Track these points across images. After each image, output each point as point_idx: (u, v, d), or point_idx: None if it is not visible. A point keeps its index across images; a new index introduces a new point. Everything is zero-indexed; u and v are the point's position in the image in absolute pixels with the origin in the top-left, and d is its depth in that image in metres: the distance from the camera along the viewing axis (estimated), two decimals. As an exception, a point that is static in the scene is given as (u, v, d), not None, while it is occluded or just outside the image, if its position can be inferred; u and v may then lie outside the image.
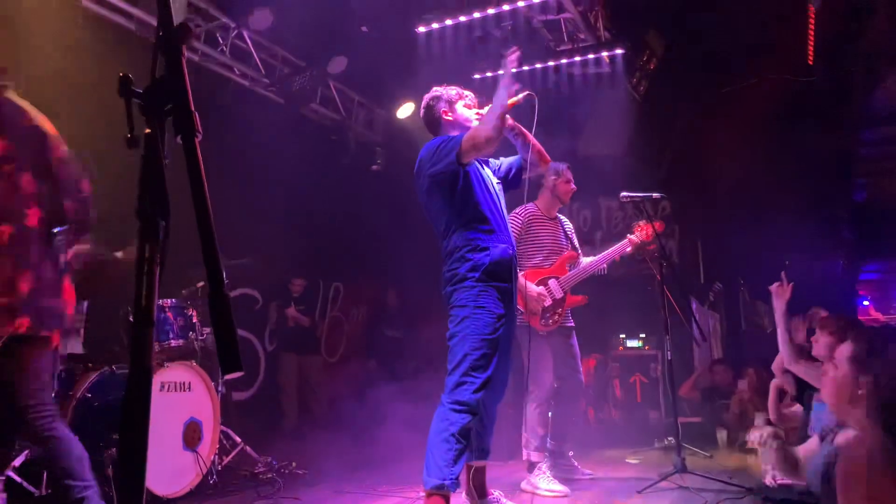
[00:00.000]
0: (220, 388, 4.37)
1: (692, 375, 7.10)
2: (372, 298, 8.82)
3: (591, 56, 6.46)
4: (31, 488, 3.44)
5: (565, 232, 4.62)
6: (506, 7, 5.84)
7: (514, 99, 3.17)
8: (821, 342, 3.46)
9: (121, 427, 0.99)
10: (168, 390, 3.94)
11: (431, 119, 3.33)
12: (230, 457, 4.55)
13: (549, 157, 3.44)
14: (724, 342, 8.19)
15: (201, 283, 4.55)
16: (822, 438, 2.70)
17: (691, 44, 7.23)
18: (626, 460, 5.33)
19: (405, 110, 7.28)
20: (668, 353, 4.60)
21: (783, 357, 3.87)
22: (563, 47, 6.54)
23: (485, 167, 3.34)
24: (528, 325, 4.13)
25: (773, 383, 4.19)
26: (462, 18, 6.01)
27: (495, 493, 3.37)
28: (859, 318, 9.39)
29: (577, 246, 4.67)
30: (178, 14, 5.36)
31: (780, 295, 3.79)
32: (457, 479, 2.86)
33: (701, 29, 7.00)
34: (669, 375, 4.70)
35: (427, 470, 2.87)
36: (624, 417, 7.01)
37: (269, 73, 6.52)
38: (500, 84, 3.07)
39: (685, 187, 8.14)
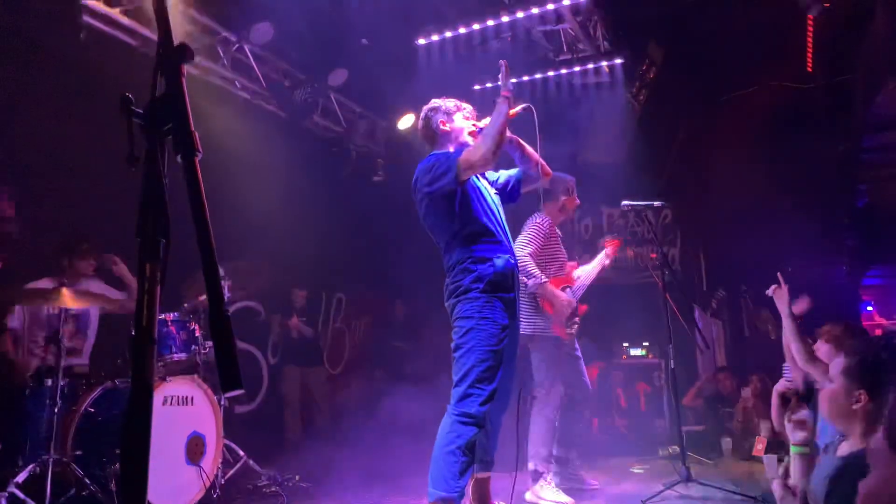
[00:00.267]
0: (222, 402, 4.36)
1: (696, 383, 7.08)
2: (375, 309, 8.81)
3: (590, 66, 6.49)
4: (34, 504, 3.44)
5: (561, 241, 4.68)
6: (505, 18, 5.88)
7: (514, 111, 3.18)
8: (821, 351, 3.45)
9: (122, 444, 0.99)
10: (171, 404, 3.94)
11: (429, 130, 3.33)
12: (233, 470, 4.53)
13: (550, 170, 3.42)
14: (728, 350, 8.17)
15: (203, 297, 4.55)
16: (825, 451, 2.69)
17: (691, 52, 7.25)
18: (631, 469, 5.30)
19: (406, 122, 7.30)
20: (672, 361, 4.60)
21: (797, 358, 3.79)
22: (562, 57, 6.57)
23: (481, 178, 3.34)
24: (554, 337, 4.19)
25: (776, 390, 4.16)
26: (462, 30, 6.04)
27: (499, 505, 3.36)
28: (864, 323, 9.37)
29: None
30: (178, 28, 5.38)
31: (779, 297, 3.75)
32: (462, 491, 2.85)
33: (700, 37, 7.03)
34: (673, 384, 4.69)
35: (432, 482, 2.86)
36: (628, 426, 6.98)
37: (271, 86, 6.54)
38: (498, 102, 3.08)
39: (687, 195, 8.14)
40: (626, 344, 7.44)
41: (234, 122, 6.06)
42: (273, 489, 4.46)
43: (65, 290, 3.82)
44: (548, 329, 4.27)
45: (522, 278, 4.13)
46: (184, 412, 4.01)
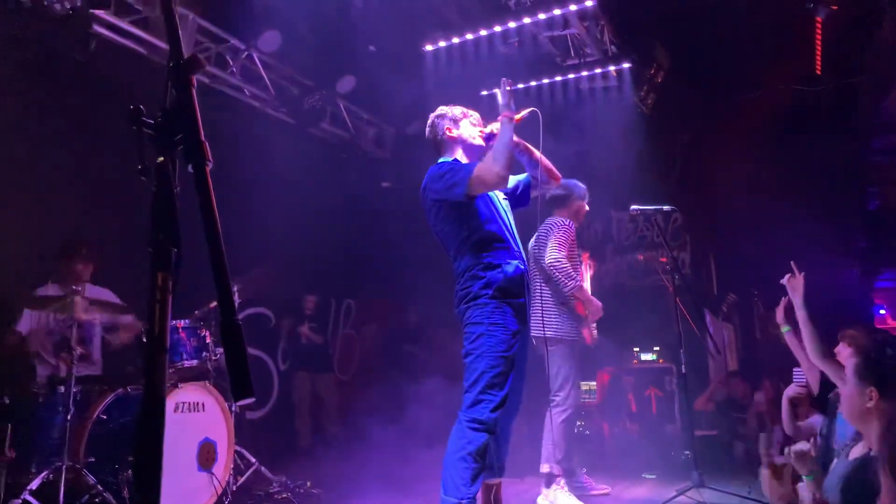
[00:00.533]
0: (233, 408, 4.37)
1: (708, 388, 7.04)
2: (384, 315, 8.82)
3: (597, 70, 6.49)
4: (48, 511, 3.46)
5: None
6: (512, 24, 5.89)
7: (519, 116, 3.18)
8: (843, 354, 3.42)
9: (135, 451, 1.00)
10: (182, 411, 3.96)
11: (436, 137, 3.33)
12: (245, 477, 4.54)
13: (559, 174, 3.41)
14: (740, 354, 8.12)
15: (214, 304, 4.57)
16: (839, 453, 2.67)
17: (698, 55, 7.24)
18: (643, 475, 5.28)
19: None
20: (683, 365, 4.57)
21: (809, 353, 3.75)
22: (569, 62, 6.58)
23: None
24: (580, 340, 4.24)
25: (786, 395, 4.13)
26: (468, 36, 6.06)
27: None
28: (877, 326, 9.29)
29: None
30: (187, 37, 5.42)
31: (794, 287, 3.69)
32: (473, 498, 2.85)
33: (708, 40, 7.01)
34: (684, 388, 4.66)
35: (444, 488, 2.86)
36: (639, 431, 6.94)
37: (279, 93, 6.58)
38: (501, 123, 3.08)
39: (696, 198, 8.11)
40: (636, 348, 7.40)
41: (242, 129, 6.10)
42: (284, 496, 4.47)
43: (75, 298, 3.85)
44: (575, 333, 4.31)
45: (562, 280, 4.15)
46: (195, 419, 4.02)
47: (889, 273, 10.77)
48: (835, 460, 2.77)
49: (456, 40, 6.12)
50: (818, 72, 7.18)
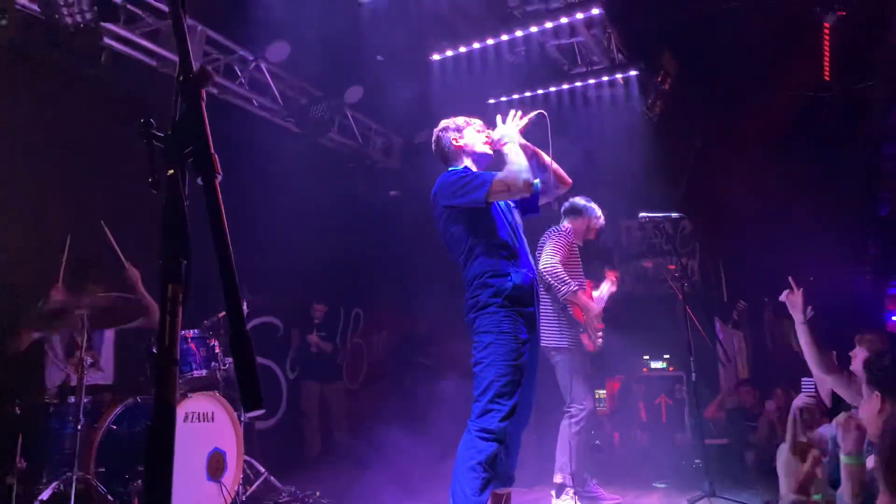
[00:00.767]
0: (243, 418, 4.38)
1: (718, 396, 6.99)
2: (393, 324, 8.82)
3: (605, 78, 6.49)
4: (58, 521, 3.46)
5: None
6: (519, 33, 5.91)
7: (525, 119, 3.18)
8: (858, 358, 3.39)
9: (146, 463, 1.00)
10: (191, 421, 3.96)
11: (442, 149, 3.33)
12: (254, 487, 4.54)
13: (569, 179, 3.41)
14: (750, 362, 8.06)
15: (223, 314, 4.58)
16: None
17: (706, 62, 7.23)
18: (653, 484, 5.24)
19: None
20: (693, 373, 4.55)
21: (812, 369, 3.74)
22: (576, 70, 6.59)
23: None
24: (582, 347, 4.22)
25: (795, 405, 4.09)
26: (475, 45, 6.08)
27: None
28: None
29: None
30: (195, 48, 5.47)
31: (793, 303, 3.67)
32: (483, 507, 2.83)
33: (715, 47, 7.01)
34: (695, 396, 4.64)
35: (453, 498, 2.85)
36: (650, 440, 6.90)
37: (287, 103, 6.62)
38: (504, 153, 3.10)
39: (705, 205, 8.08)
40: (646, 357, 7.37)
41: (251, 139, 6.14)
42: (294, 505, 4.46)
43: (82, 307, 3.87)
44: (577, 340, 4.29)
45: (556, 286, 4.15)
46: (205, 429, 4.03)
47: (901, 279, 10.68)
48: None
49: (463, 49, 6.14)
50: (827, 78, 7.16)
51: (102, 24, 4.68)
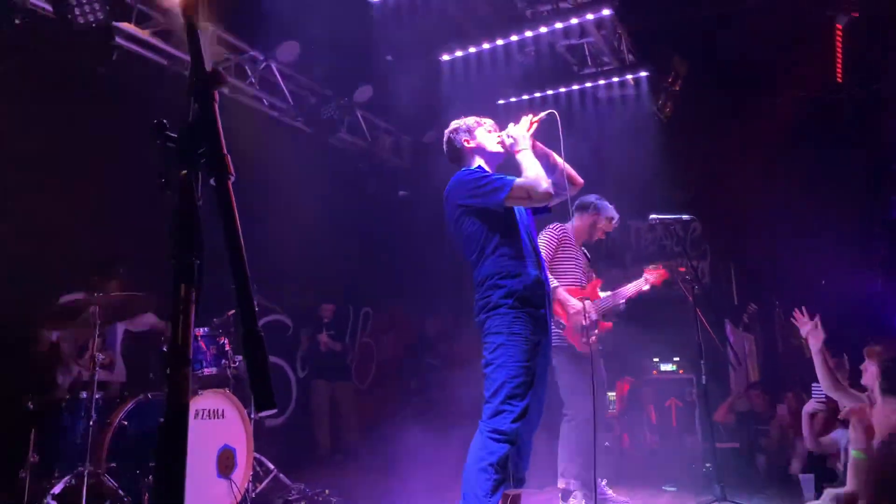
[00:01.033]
0: (252, 415, 4.40)
1: (728, 399, 6.96)
2: (402, 324, 8.84)
3: (615, 79, 6.47)
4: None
5: (588, 260, 4.62)
6: (528, 33, 5.90)
7: (537, 118, 3.17)
8: (869, 371, 3.39)
9: (158, 464, 1.01)
10: (202, 418, 3.99)
11: (454, 150, 3.32)
12: (263, 484, 4.56)
13: (580, 180, 3.38)
14: (761, 365, 8.01)
15: (232, 312, 4.61)
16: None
17: (717, 63, 7.20)
18: (663, 488, 5.22)
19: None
20: (704, 376, 4.52)
21: (824, 387, 3.75)
22: (586, 71, 6.57)
23: None
24: (568, 346, 4.13)
25: (805, 411, 4.08)
26: (485, 46, 6.08)
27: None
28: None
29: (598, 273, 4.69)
30: (207, 49, 5.50)
31: (815, 336, 3.70)
32: (494, 509, 2.83)
33: (726, 48, 6.98)
34: (705, 400, 4.61)
35: (464, 499, 2.85)
36: (659, 443, 6.87)
37: (297, 103, 6.64)
38: (519, 159, 3.09)
39: (715, 207, 8.04)
40: (656, 359, 7.34)
41: (261, 138, 6.16)
42: (303, 503, 4.47)
43: (96, 305, 3.91)
44: (563, 338, 4.21)
45: None
46: (215, 426, 4.05)
47: (914, 283, 10.58)
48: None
49: (473, 50, 6.14)
50: (839, 79, 7.12)
51: (114, 23, 4.72)
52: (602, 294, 4.55)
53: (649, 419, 7.05)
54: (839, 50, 6.73)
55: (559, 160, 3.29)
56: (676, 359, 7.24)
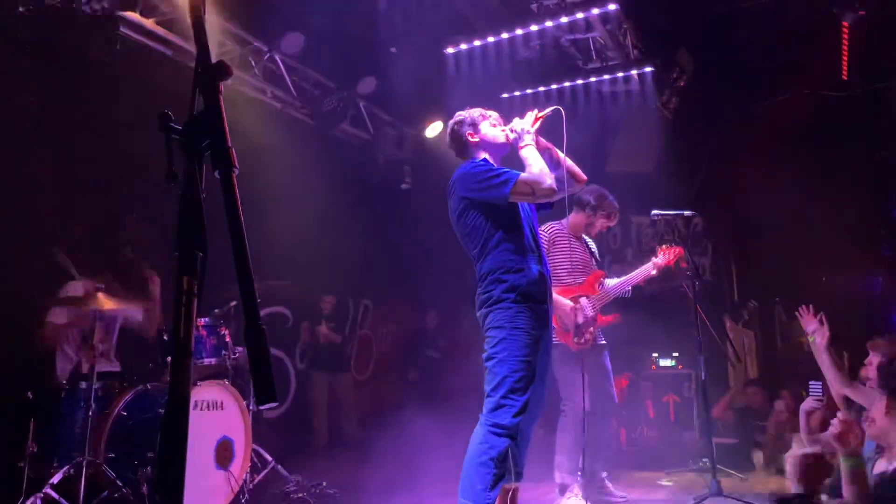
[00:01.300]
0: (251, 407, 4.40)
1: (726, 395, 6.97)
2: (402, 316, 8.85)
3: (620, 74, 6.45)
4: (69, 506, 3.50)
5: (591, 251, 4.60)
6: (534, 27, 5.88)
7: (542, 113, 3.16)
8: (873, 364, 3.38)
9: (159, 455, 1.01)
10: (201, 409, 3.99)
11: (457, 142, 3.30)
12: (261, 475, 4.57)
13: (583, 175, 3.36)
14: (760, 361, 8.02)
15: (234, 303, 4.61)
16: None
17: (722, 60, 7.18)
18: (660, 482, 5.23)
19: (433, 129, 7.34)
20: (703, 372, 4.52)
21: (833, 384, 3.74)
22: (591, 65, 6.56)
23: None
24: (561, 344, 4.12)
25: (803, 409, 4.08)
26: (490, 39, 6.06)
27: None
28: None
29: (602, 265, 4.66)
30: (210, 38, 5.51)
31: (821, 335, 3.69)
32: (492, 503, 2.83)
33: (732, 45, 6.95)
34: (703, 395, 4.62)
35: (462, 492, 2.85)
36: (657, 438, 6.89)
37: (301, 94, 6.63)
38: (523, 156, 3.08)
39: (717, 204, 8.04)
40: (655, 354, 7.35)
41: (264, 130, 6.15)
42: (301, 495, 4.48)
43: (99, 294, 3.91)
44: (557, 338, 4.19)
45: None
46: (213, 417, 4.05)
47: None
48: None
49: (478, 43, 6.12)
50: (844, 77, 7.09)
51: (119, 12, 4.71)
52: (608, 282, 4.53)
53: (647, 414, 7.07)
54: (845, 48, 6.70)
55: (562, 156, 3.27)
56: (675, 354, 7.25)
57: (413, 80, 6.41)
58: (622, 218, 8.67)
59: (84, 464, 3.61)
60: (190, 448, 0.99)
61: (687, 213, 4.77)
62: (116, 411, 3.92)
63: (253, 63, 6.13)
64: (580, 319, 4.24)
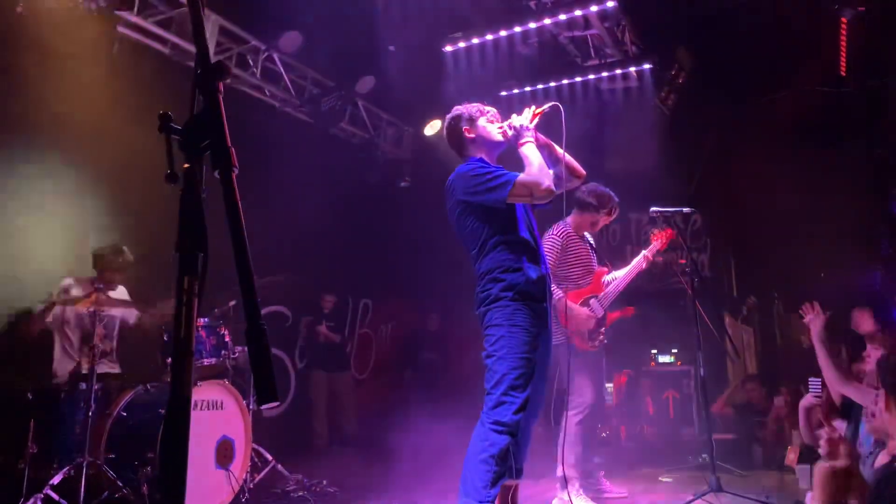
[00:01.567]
0: (251, 406, 4.41)
1: (725, 391, 6.98)
2: (402, 315, 8.84)
3: (618, 71, 6.45)
4: (69, 506, 3.51)
5: (593, 248, 4.61)
6: (532, 25, 5.87)
7: (540, 110, 3.15)
8: (872, 357, 3.37)
9: (160, 455, 1.01)
10: (201, 409, 3.99)
11: (454, 138, 3.28)
12: (261, 474, 4.57)
13: (582, 171, 3.35)
14: (759, 357, 8.03)
15: (233, 303, 4.60)
16: (863, 462, 2.64)
17: (721, 56, 7.17)
18: (660, 479, 5.24)
19: (432, 128, 7.33)
20: (702, 368, 4.53)
21: (830, 381, 3.73)
22: (589, 63, 6.55)
23: None
24: (569, 343, 4.13)
25: (802, 405, 4.08)
26: (488, 37, 6.05)
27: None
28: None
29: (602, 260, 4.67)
30: (209, 37, 5.48)
31: (815, 325, 3.68)
32: (493, 501, 2.83)
33: (730, 41, 6.95)
34: (703, 391, 4.62)
35: (463, 489, 2.85)
36: (656, 434, 6.90)
37: (299, 93, 6.62)
38: (522, 154, 3.07)
39: (716, 200, 8.04)
40: (654, 351, 7.36)
41: (263, 129, 6.15)
42: (301, 494, 4.49)
43: (98, 294, 3.91)
44: (565, 339, 4.20)
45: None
46: (214, 417, 4.06)
47: (914, 278, 10.59)
48: (860, 467, 2.74)
49: (476, 41, 6.11)
50: (843, 73, 7.09)
51: (116, 11, 4.70)
52: (608, 278, 4.53)
53: (647, 411, 7.08)
54: (844, 44, 6.70)
55: (561, 151, 3.27)
56: (674, 351, 7.27)
57: (412, 79, 6.41)
58: (621, 215, 8.70)
59: (84, 464, 3.61)
60: (190, 448, 0.99)
61: (686, 209, 4.77)
62: (116, 412, 3.92)
63: (251, 62, 6.12)
64: (592, 325, 4.27)
